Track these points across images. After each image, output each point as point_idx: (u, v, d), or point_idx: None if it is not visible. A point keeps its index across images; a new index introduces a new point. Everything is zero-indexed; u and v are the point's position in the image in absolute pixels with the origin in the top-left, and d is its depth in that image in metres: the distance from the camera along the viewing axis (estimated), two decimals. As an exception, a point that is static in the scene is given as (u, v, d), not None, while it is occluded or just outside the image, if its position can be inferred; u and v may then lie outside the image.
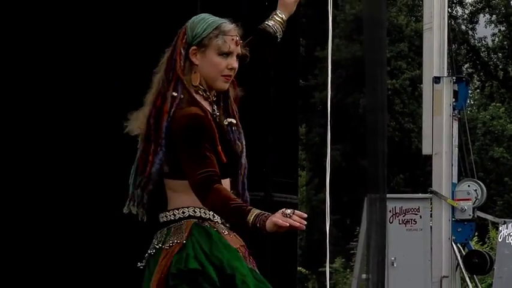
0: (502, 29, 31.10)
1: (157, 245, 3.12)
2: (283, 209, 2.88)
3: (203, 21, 3.21)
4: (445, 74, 10.01)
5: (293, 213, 2.86)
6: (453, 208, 9.84)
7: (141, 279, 3.27)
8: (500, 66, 31.66)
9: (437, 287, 9.73)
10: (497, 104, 28.33)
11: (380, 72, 8.76)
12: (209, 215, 3.13)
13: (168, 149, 3.09)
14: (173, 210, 3.13)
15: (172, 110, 3.08)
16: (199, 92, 3.16)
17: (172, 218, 3.12)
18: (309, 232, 21.34)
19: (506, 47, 31.10)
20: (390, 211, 9.83)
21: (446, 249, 9.73)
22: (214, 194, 2.97)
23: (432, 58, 9.97)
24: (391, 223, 9.90)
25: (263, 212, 2.92)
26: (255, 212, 2.91)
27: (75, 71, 5.84)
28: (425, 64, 10.19)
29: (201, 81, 3.17)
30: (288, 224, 2.84)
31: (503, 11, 30.64)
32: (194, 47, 3.16)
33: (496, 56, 31.80)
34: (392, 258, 9.77)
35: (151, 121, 3.11)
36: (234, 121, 3.22)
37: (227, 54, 3.16)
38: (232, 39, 3.18)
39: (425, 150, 10.02)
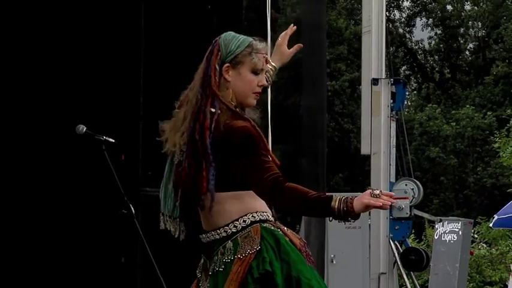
0: (438, 32, 31.61)
1: (228, 258, 3.13)
2: (370, 190, 2.98)
3: (235, 38, 3.24)
4: (383, 76, 10.13)
5: (381, 193, 2.96)
6: (391, 206, 9.97)
7: None
8: (437, 69, 32.17)
9: (375, 284, 9.86)
10: (434, 105, 28.78)
11: (320, 74, 8.90)
12: (266, 216, 3.18)
13: (216, 163, 3.10)
14: (232, 222, 3.15)
15: (213, 125, 3.11)
16: (232, 108, 3.18)
17: (235, 230, 3.15)
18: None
19: (442, 50, 31.61)
20: (330, 209, 9.94)
21: (384, 246, 9.90)
22: (288, 193, 3.02)
23: (370, 60, 10.09)
24: (330, 221, 9.87)
25: (343, 195, 3.02)
26: (337, 197, 3.00)
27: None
28: (364, 66, 10.32)
29: (232, 98, 3.20)
30: (381, 204, 2.95)
31: (440, 15, 31.15)
32: (227, 64, 3.20)
33: (432, 58, 32.31)
34: (332, 256, 9.88)
35: (196, 137, 3.12)
36: None
37: (259, 71, 3.22)
38: (264, 57, 3.24)
39: (364, 150, 10.14)
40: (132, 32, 6.06)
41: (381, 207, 2.98)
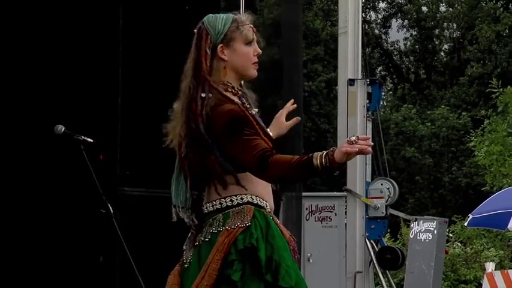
0: (414, 33, 31.81)
1: (215, 229, 3.17)
2: (348, 138, 3.01)
3: (219, 18, 3.27)
4: (359, 77, 10.19)
5: (358, 139, 2.97)
6: (367, 206, 10.04)
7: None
8: (412, 70, 32.38)
9: (351, 282, 9.91)
10: (409, 106, 28.96)
11: (296, 75, 8.94)
12: (264, 203, 3.23)
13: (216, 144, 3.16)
14: (230, 196, 3.19)
15: (204, 111, 3.15)
16: (229, 89, 3.24)
17: (230, 204, 3.19)
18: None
19: (418, 51, 31.82)
20: (307, 209, 9.98)
21: (360, 245, 9.95)
22: (274, 163, 3.05)
23: (347, 61, 10.15)
24: (307, 220, 10.02)
25: (324, 151, 3.03)
26: (317, 154, 3.02)
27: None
28: (340, 67, 10.38)
29: (230, 77, 3.25)
30: (357, 149, 2.97)
31: (415, 16, 31.34)
32: (221, 45, 3.23)
33: (407, 59, 32.51)
34: (309, 254, 9.95)
35: (192, 126, 3.17)
36: (257, 110, 3.32)
37: (251, 41, 3.26)
38: (251, 27, 3.28)
39: (340, 150, 10.19)
40: (111, 32, 6.09)
41: (359, 153, 2.99)
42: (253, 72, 3.30)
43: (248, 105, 3.29)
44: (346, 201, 10.23)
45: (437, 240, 10.22)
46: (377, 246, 10.14)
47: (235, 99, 3.24)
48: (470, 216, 10.50)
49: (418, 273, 10.20)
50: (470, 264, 16.87)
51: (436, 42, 31.95)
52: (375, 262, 9.98)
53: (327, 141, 25.53)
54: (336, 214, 10.15)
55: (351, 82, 10.08)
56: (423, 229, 10.38)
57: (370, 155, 10.19)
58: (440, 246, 10.43)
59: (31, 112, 5.90)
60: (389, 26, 32.15)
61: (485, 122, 20.92)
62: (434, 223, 10.35)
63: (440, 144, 27.53)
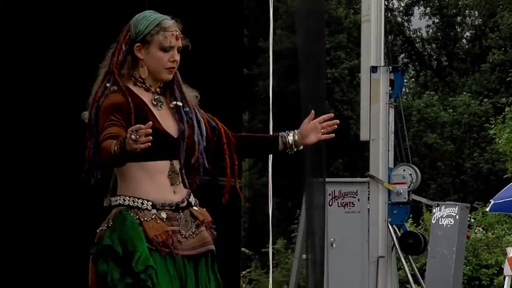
0: (436, 20, 31.69)
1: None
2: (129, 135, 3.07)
3: (145, 19, 3.41)
4: (382, 64, 10.19)
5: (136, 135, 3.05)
6: (389, 191, 10.06)
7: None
8: (434, 57, 32.29)
9: (374, 267, 9.95)
10: (431, 93, 28.88)
11: (319, 62, 8.99)
12: (137, 203, 3.35)
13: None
14: (115, 196, 3.41)
15: (101, 99, 3.33)
16: (138, 84, 3.41)
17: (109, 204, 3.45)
18: (252, 214, 21.63)
19: (440, 38, 31.71)
20: (330, 194, 9.99)
21: (382, 230, 9.98)
22: (103, 149, 3.18)
23: (369, 48, 10.16)
24: (330, 206, 10.03)
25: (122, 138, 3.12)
26: (116, 142, 3.12)
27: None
28: (363, 54, 10.39)
29: (148, 75, 3.40)
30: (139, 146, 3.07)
31: (437, 4, 31.24)
32: (138, 44, 3.39)
33: (430, 46, 32.41)
34: (332, 239, 9.96)
35: (92, 111, 3.36)
36: (180, 104, 3.43)
37: (169, 48, 3.38)
38: (173, 35, 3.39)
39: (363, 136, 10.23)
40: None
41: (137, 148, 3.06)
42: (166, 76, 3.42)
43: (161, 101, 3.42)
44: (368, 187, 10.22)
45: (459, 225, 10.26)
46: (399, 231, 10.15)
47: (142, 93, 3.38)
48: (492, 201, 10.54)
49: (440, 258, 10.23)
50: (492, 249, 16.91)
51: (458, 30, 31.82)
52: (397, 247, 10.01)
53: (349, 128, 25.56)
54: (358, 200, 10.12)
55: (374, 69, 10.09)
56: (445, 214, 10.42)
57: (393, 142, 10.24)
58: (462, 231, 10.47)
59: (58, 99, 6.00)
60: (412, 14, 32.04)
61: (506, 109, 20.88)
62: (456, 208, 10.39)
63: (462, 131, 27.47)
